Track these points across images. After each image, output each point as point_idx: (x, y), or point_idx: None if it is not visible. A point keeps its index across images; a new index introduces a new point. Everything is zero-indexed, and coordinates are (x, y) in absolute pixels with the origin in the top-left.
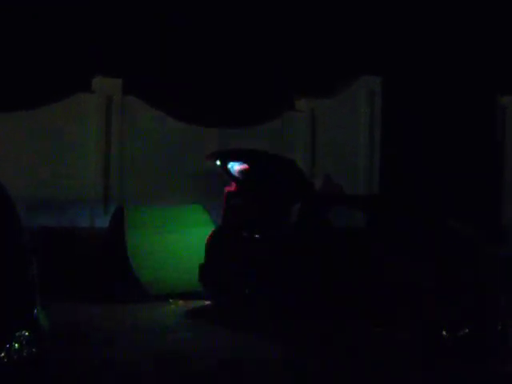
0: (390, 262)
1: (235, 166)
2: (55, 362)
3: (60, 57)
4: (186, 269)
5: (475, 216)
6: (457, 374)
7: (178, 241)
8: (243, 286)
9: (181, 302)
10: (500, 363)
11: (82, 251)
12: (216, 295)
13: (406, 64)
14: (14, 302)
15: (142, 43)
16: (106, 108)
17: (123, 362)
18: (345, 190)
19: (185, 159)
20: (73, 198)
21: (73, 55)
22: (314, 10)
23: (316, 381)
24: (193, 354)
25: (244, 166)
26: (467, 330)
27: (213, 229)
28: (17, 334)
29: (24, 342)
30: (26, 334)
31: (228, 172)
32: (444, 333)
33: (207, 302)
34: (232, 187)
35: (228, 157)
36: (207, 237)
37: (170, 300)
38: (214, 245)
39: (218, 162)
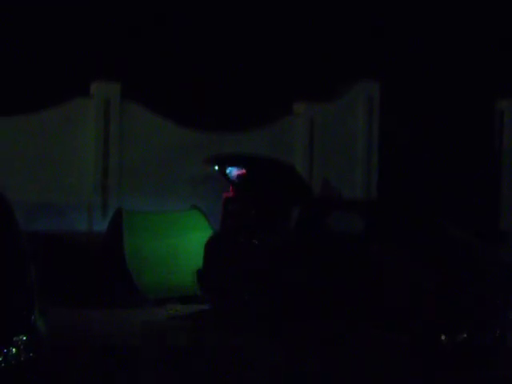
0: (389, 267)
1: (233, 171)
2: (53, 367)
3: (59, 61)
4: (184, 273)
5: (474, 220)
6: (455, 379)
7: (176, 245)
8: (242, 291)
9: (179, 308)
10: (498, 368)
11: (81, 256)
12: (214, 299)
13: (404, 69)
14: (13, 307)
15: (141, 48)
16: (105, 112)
17: (121, 366)
18: (343, 194)
19: (183, 164)
20: (71, 202)
21: (71, 60)
22: (314, 15)
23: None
24: (191, 358)
25: (242, 171)
26: (465, 335)
27: (211, 233)
28: (15, 338)
29: (22, 347)
30: (24, 338)
31: (226, 177)
32: (443, 337)
33: (205, 307)
34: (230, 192)
35: (226, 162)
36: (206, 241)
37: (169, 309)
38: (212, 249)
39: (217, 167)
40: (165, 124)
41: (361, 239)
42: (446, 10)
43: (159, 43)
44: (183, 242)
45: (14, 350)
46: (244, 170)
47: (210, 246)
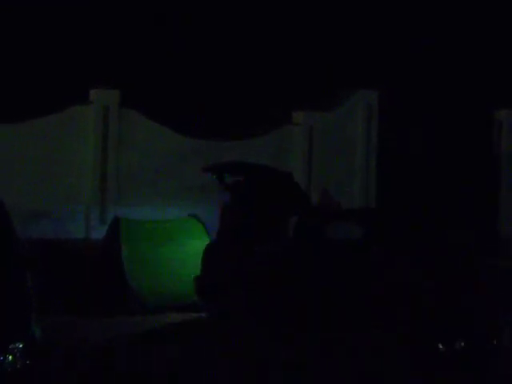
0: (387, 276)
1: (231, 179)
2: (49, 375)
3: (57, 68)
4: (181, 281)
5: (473, 228)
6: None
7: (174, 253)
8: (239, 299)
9: (176, 315)
10: (495, 376)
11: (78, 263)
12: (212, 307)
13: (403, 78)
14: (9, 314)
15: (140, 55)
16: (103, 119)
17: (117, 375)
18: (342, 203)
19: (182, 171)
20: (69, 209)
21: (70, 66)
22: (312, 24)
23: None
24: (186, 368)
25: (240, 179)
26: (463, 344)
27: (208, 241)
28: (11, 346)
29: (18, 355)
30: (21, 346)
31: (224, 185)
32: (440, 346)
33: (203, 315)
34: (228, 200)
35: (224, 170)
36: (203, 250)
37: (166, 313)
38: (209, 257)
39: (215, 175)
40: (164, 131)
41: (359, 248)
42: (444, 20)
43: (158, 51)
44: (181, 250)
45: (10, 357)
46: (242, 178)
47: (208, 254)
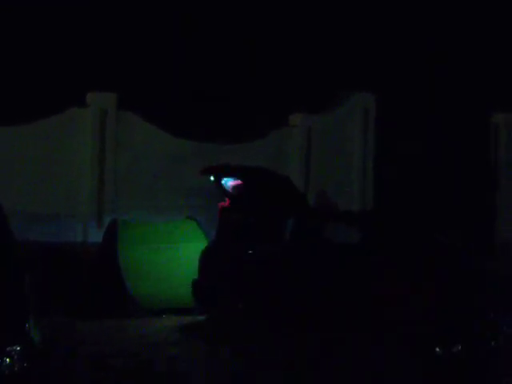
0: (384, 278)
1: (229, 182)
2: (47, 378)
3: (55, 71)
4: (179, 284)
5: (469, 233)
6: None
7: (172, 256)
8: (237, 301)
9: (174, 318)
10: (493, 379)
11: (76, 266)
12: (209, 310)
13: (400, 82)
14: (7, 317)
15: (137, 58)
16: (101, 122)
17: (114, 377)
18: (339, 205)
19: (179, 174)
20: (66, 212)
21: (67, 69)
22: (309, 26)
23: None
24: (185, 370)
25: (238, 182)
26: (460, 347)
27: (206, 244)
28: (8, 348)
29: (16, 357)
30: (18, 348)
31: (222, 187)
32: (437, 349)
33: (200, 318)
34: (226, 203)
35: (222, 172)
36: (201, 252)
37: (163, 316)
38: (207, 260)
39: (212, 178)
40: (161, 134)
41: (357, 250)
42: (442, 24)
43: (156, 53)
44: (178, 253)
45: (7, 360)
46: (240, 181)
47: (206, 257)
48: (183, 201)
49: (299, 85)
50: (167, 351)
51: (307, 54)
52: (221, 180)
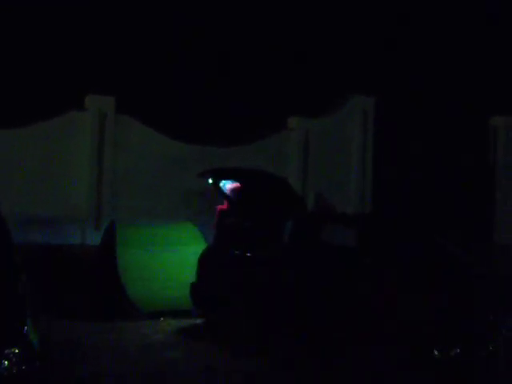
0: (382, 281)
1: (227, 185)
2: (45, 380)
3: (54, 74)
4: (177, 286)
5: (468, 234)
6: None
7: (169, 258)
8: (234, 305)
9: (172, 321)
10: (492, 382)
11: (74, 268)
12: (207, 313)
13: (399, 85)
14: (4, 319)
15: (135, 62)
16: (99, 125)
17: (112, 379)
18: (337, 208)
19: (177, 177)
20: (65, 214)
21: (66, 73)
22: (308, 30)
23: None
24: (182, 374)
25: (236, 185)
26: (459, 350)
27: (204, 247)
28: (7, 351)
29: (14, 360)
30: (16, 351)
31: (220, 190)
32: (436, 352)
33: (198, 320)
34: (224, 205)
35: (220, 175)
36: (199, 255)
37: (161, 318)
38: (205, 263)
39: (211, 180)
40: (159, 137)
41: (354, 253)
42: (441, 27)
43: (154, 57)
44: (177, 256)
45: (5, 362)
46: (238, 184)
47: (204, 260)
48: (181, 203)
49: (298, 88)
50: (165, 354)
51: (306, 58)
52: (219, 183)
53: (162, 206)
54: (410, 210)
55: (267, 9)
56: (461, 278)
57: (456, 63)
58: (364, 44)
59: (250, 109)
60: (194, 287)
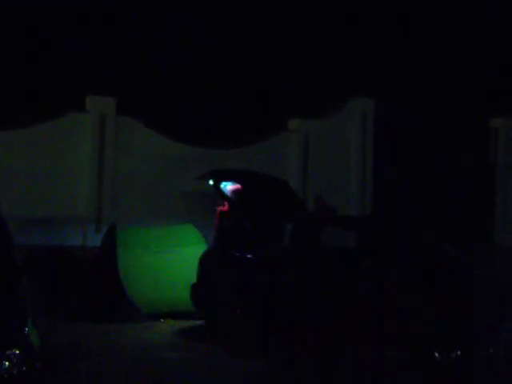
0: (382, 284)
1: (228, 186)
2: (46, 381)
3: (54, 76)
4: (177, 288)
5: (468, 236)
6: None
7: (170, 260)
8: (235, 307)
9: (172, 322)
10: None
11: (75, 270)
12: (208, 315)
13: (399, 87)
14: (5, 321)
15: (136, 63)
16: (100, 127)
17: (111, 381)
18: (337, 210)
19: (178, 179)
20: (65, 216)
21: (67, 74)
22: (308, 32)
23: None
24: (182, 375)
25: (237, 187)
26: (459, 352)
27: (205, 248)
28: (7, 352)
29: (14, 361)
30: (17, 352)
31: (221, 192)
32: (436, 354)
33: (199, 322)
34: (225, 207)
35: (221, 177)
36: (200, 256)
37: (162, 320)
38: (206, 264)
39: (211, 182)
40: (160, 139)
41: (355, 255)
42: (440, 28)
43: (155, 59)
44: (177, 257)
45: (6, 363)
46: (238, 185)
47: (205, 261)
48: (182, 205)
49: (298, 90)
50: (165, 355)
51: (306, 60)
52: (220, 184)
53: (163, 208)
54: (411, 212)
55: (268, 10)
56: (461, 280)
57: (456, 64)
58: (364, 46)
59: (251, 111)
60: (194, 288)
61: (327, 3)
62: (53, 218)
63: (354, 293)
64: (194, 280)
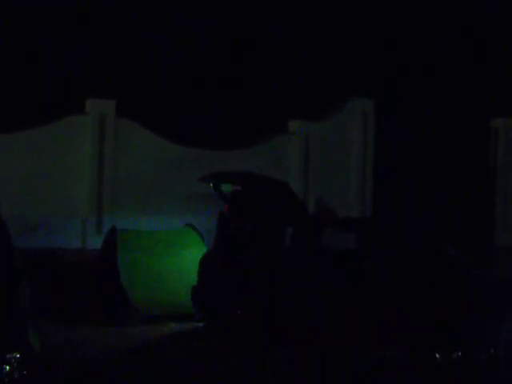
0: (384, 285)
1: (228, 188)
2: None
3: (54, 78)
4: (178, 291)
5: (468, 237)
6: None
7: (171, 263)
8: (235, 309)
9: (173, 325)
10: None
11: (75, 273)
12: (208, 317)
13: (399, 87)
14: (5, 324)
15: (136, 65)
16: (100, 129)
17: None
18: (338, 212)
19: (178, 181)
20: (65, 219)
21: (66, 76)
22: (307, 32)
23: None
24: (183, 376)
25: (237, 189)
26: (460, 353)
27: (205, 251)
28: (8, 355)
29: (15, 364)
30: (18, 356)
31: (221, 194)
32: (437, 355)
33: (199, 324)
34: (225, 209)
35: (221, 179)
36: (200, 258)
37: (163, 322)
38: (206, 266)
39: (212, 184)
40: (160, 141)
41: (356, 257)
42: (441, 28)
43: (154, 60)
44: (177, 260)
45: (7, 367)
46: (239, 188)
47: (205, 264)
48: (182, 207)
49: (298, 91)
50: (166, 357)
51: (306, 61)
52: (220, 186)
53: (163, 209)
54: (411, 213)
55: (268, 12)
56: (461, 281)
57: (456, 65)
58: (363, 46)
59: (251, 112)
60: (195, 290)
61: (327, 4)
62: (53, 220)
63: (355, 294)
64: (194, 282)
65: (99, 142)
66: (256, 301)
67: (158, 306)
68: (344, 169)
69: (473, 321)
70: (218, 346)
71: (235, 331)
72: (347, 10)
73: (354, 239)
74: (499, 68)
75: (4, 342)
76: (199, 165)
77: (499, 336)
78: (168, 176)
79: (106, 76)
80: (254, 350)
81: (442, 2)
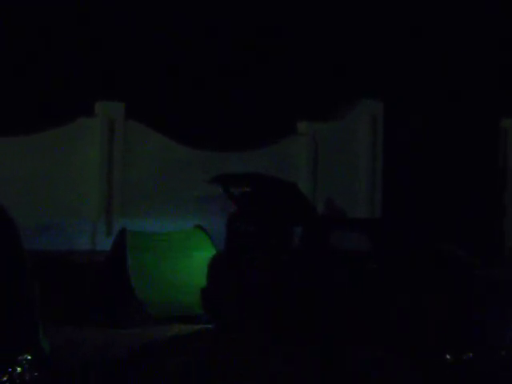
0: (393, 286)
1: (238, 190)
2: None
3: (63, 81)
4: (187, 292)
5: (478, 238)
6: None
7: (180, 265)
8: (244, 310)
9: (181, 326)
10: None
11: (85, 275)
12: (217, 319)
13: (408, 88)
14: (17, 326)
15: (145, 67)
16: (109, 132)
17: None
18: (347, 213)
19: (187, 183)
20: (75, 221)
21: (76, 79)
22: (316, 34)
23: None
24: (192, 377)
25: (246, 190)
26: (471, 355)
27: (214, 252)
28: (19, 357)
29: (26, 366)
30: (29, 357)
31: (230, 195)
32: (448, 356)
33: (209, 326)
34: (235, 211)
35: (231, 180)
36: (209, 260)
37: (172, 324)
38: (216, 269)
39: (221, 186)
40: (169, 143)
41: (364, 258)
42: (449, 29)
43: (163, 63)
44: (187, 262)
45: (18, 369)
46: (248, 189)
47: (214, 266)
48: (191, 209)
49: (307, 92)
50: (175, 358)
51: (315, 62)
52: (229, 188)
53: (172, 211)
54: (421, 214)
55: (274, 12)
56: (474, 283)
57: (466, 66)
58: (372, 48)
59: (260, 114)
60: (204, 292)
61: (336, 5)
62: (63, 222)
63: (365, 295)
64: (203, 283)
65: (108, 144)
66: (265, 302)
67: (167, 307)
68: (353, 169)
69: (484, 322)
70: (224, 347)
71: (241, 332)
72: (357, 11)
73: (362, 240)
74: (509, 69)
75: (15, 344)
76: (208, 166)
77: (507, 337)
78: (177, 178)
79: (115, 79)
80: (259, 350)
81: (452, 2)
